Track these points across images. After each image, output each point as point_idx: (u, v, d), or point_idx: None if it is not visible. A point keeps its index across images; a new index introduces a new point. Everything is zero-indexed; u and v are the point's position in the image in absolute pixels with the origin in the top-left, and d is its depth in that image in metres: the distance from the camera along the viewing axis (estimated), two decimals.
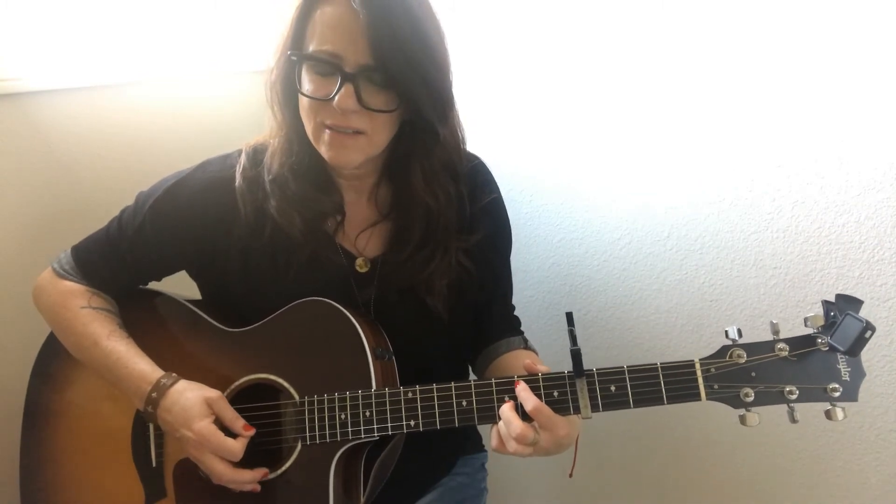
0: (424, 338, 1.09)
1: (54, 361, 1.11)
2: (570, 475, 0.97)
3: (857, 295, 0.81)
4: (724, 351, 0.86)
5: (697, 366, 0.86)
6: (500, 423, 0.88)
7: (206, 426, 0.93)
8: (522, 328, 1.18)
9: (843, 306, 0.81)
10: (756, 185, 1.15)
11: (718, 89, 1.16)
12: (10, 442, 1.15)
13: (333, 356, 0.98)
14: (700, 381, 0.85)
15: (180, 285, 1.13)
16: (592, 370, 0.88)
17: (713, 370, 0.86)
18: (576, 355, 0.87)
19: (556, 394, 0.88)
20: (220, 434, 0.94)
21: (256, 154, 1.04)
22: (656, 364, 0.87)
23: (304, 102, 0.94)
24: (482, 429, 1.20)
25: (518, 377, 0.90)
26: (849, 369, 0.83)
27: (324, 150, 0.94)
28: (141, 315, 1.10)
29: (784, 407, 0.84)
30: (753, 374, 0.85)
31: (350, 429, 0.94)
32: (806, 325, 0.85)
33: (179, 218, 1.05)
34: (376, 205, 1.07)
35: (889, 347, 1.07)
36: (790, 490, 1.22)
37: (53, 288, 1.08)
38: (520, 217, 1.45)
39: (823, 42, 1.04)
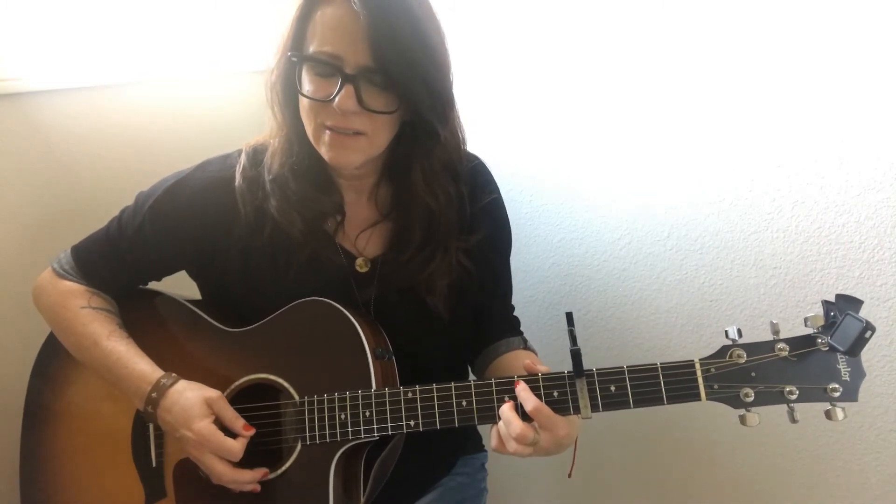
0: (424, 338, 1.09)
1: (54, 361, 1.11)
2: (570, 475, 0.97)
3: (857, 295, 0.81)
4: (724, 351, 0.86)
5: (697, 366, 0.86)
6: (500, 423, 0.88)
7: (205, 426, 0.93)
8: (522, 328, 1.18)
9: (843, 306, 0.81)
10: (756, 185, 1.15)
11: (718, 89, 1.16)
12: (10, 442, 1.15)
13: (333, 356, 0.98)
14: (700, 381, 0.85)
15: (180, 285, 1.13)
16: (592, 370, 0.88)
17: (713, 370, 0.86)
18: (576, 355, 0.87)
19: (555, 394, 0.88)
20: (220, 434, 0.94)
21: (256, 154, 1.04)
22: (656, 364, 0.87)
23: (304, 103, 0.94)
24: (482, 429, 1.20)
25: (518, 377, 0.90)
26: (849, 369, 0.83)
27: (324, 151, 0.94)
28: (141, 315, 1.10)
29: (784, 407, 0.84)
30: (753, 374, 0.85)
31: (350, 429, 0.94)
32: (806, 325, 0.85)
33: (179, 218, 1.05)
34: (376, 205, 1.07)
35: (889, 347, 1.07)
36: (790, 490, 1.22)
37: (53, 288, 1.08)
38: (520, 217, 1.45)
39: (823, 42, 1.04)
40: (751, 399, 0.84)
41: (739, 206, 1.18)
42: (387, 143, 0.97)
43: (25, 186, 1.30)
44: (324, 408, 0.96)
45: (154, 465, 1.03)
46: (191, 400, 0.95)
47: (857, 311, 0.80)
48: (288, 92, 0.96)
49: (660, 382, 0.86)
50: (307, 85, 0.92)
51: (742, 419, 0.85)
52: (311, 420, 0.96)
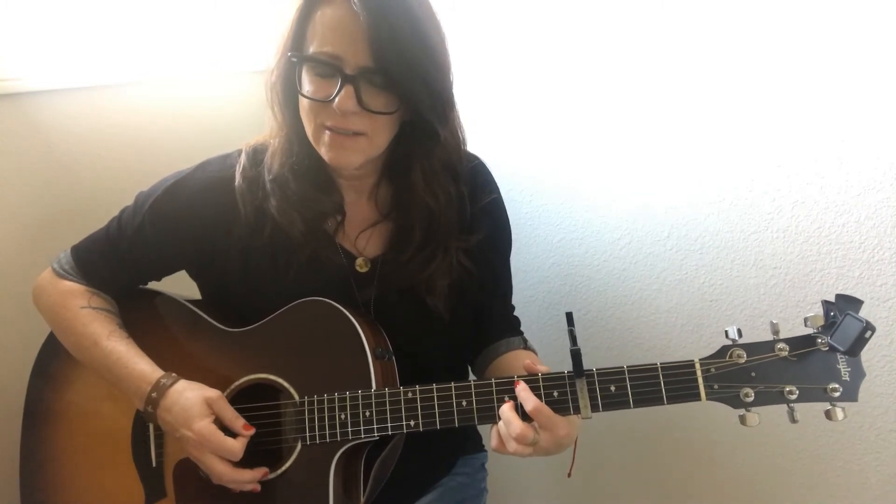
0: (424, 338, 1.09)
1: (54, 361, 1.11)
2: (569, 475, 0.97)
3: (857, 295, 0.81)
4: (724, 351, 0.86)
5: (697, 366, 0.86)
6: (500, 423, 0.88)
7: (205, 426, 0.93)
8: (522, 328, 1.18)
9: (843, 306, 0.81)
10: (756, 185, 1.15)
11: (718, 89, 1.16)
12: (10, 442, 1.15)
13: (333, 356, 0.98)
14: (700, 381, 0.85)
15: (180, 285, 1.13)
16: (592, 370, 0.88)
17: (713, 370, 0.86)
18: (576, 355, 0.87)
19: (555, 394, 0.88)
20: (220, 434, 0.94)
21: (256, 154, 1.04)
22: (656, 364, 0.87)
23: (304, 103, 0.94)
24: (482, 429, 1.20)
25: (518, 377, 0.90)
26: (849, 369, 0.83)
27: (324, 152, 0.94)
28: (141, 315, 1.10)
29: (784, 407, 0.84)
30: (753, 374, 0.85)
31: (350, 429, 0.94)
32: (806, 325, 0.85)
33: (179, 218, 1.05)
34: (376, 205, 1.07)
35: (889, 347, 1.07)
36: (790, 490, 1.22)
37: (53, 288, 1.08)
38: (520, 217, 1.45)
39: (823, 42, 1.04)
40: (751, 399, 0.84)
41: (739, 206, 1.18)
42: (387, 144, 0.97)
43: (25, 186, 1.30)
44: (324, 408, 0.96)
45: (154, 465, 1.03)
46: (191, 400, 0.95)
47: (857, 311, 0.80)
48: (288, 92, 0.96)
49: (660, 382, 0.86)
50: (307, 85, 0.92)
51: (742, 419, 0.85)
52: (311, 420, 0.96)
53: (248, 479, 0.95)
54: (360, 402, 0.94)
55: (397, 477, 1.03)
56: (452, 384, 0.92)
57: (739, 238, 1.19)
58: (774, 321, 0.86)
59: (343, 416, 0.95)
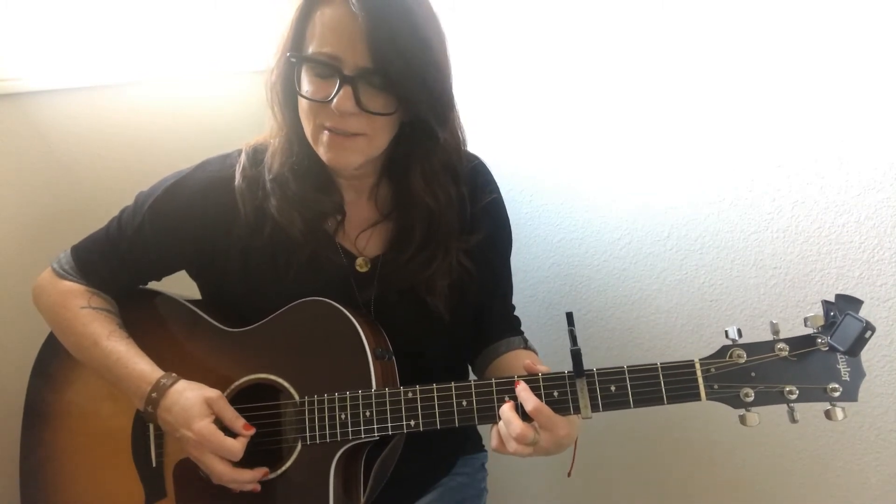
0: (424, 338, 1.09)
1: (54, 361, 1.11)
2: (569, 475, 0.97)
3: (857, 295, 0.81)
4: (724, 351, 0.86)
5: (697, 366, 0.86)
6: (500, 423, 0.88)
7: (206, 426, 0.93)
8: (522, 328, 1.18)
9: (843, 306, 0.81)
10: (756, 185, 1.15)
11: (718, 89, 1.16)
12: (10, 442, 1.15)
13: (333, 356, 0.98)
14: (700, 381, 0.85)
15: (180, 285, 1.13)
16: (592, 370, 0.88)
17: (713, 370, 0.86)
18: (576, 355, 0.87)
19: (556, 394, 0.88)
20: (220, 434, 0.94)
21: (256, 154, 1.04)
22: (656, 364, 0.87)
23: (303, 104, 0.94)
24: (482, 429, 1.20)
25: (518, 377, 0.90)
26: (849, 369, 0.83)
27: (322, 152, 0.94)
28: (141, 315, 1.10)
29: (784, 407, 0.84)
30: (753, 374, 0.85)
31: (350, 429, 0.94)
32: (806, 325, 0.85)
33: (179, 218, 1.05)
34: (376, 205, 1.07)
35: (889, 347, 1.07)
36: (790, 490, 1.22)
37: (53, 288, 1.08)
38: (520, 217, 1.45)
39: (823, 42, 1.04)
40: (751, 399, 0.84)
41: (739, 206, 1.18)
42: (386, 144, 0.97)
43: (25, 186, 1.30)
44: (324, 408, 0.96)
45: (154, 465, 1.03)
46: (191, 400, 0.95)
47: (857, 311, 0.80)
48: (288, 92, 0.96)
49: (660, 382, 0.86)
50: (306, 86, 0.92)
51: (742, 419, 0.85)
52: (312, 420, 0.96)
53: (248, 479, 0.95)
54: (361, 402, 0.94)
55: (397, 477, 1.03)
56: (453, 384, 0.92)
57: (739, 238, 1.19)
58: (774, 321, 0.86)
59: (343, 416, 0.95)
